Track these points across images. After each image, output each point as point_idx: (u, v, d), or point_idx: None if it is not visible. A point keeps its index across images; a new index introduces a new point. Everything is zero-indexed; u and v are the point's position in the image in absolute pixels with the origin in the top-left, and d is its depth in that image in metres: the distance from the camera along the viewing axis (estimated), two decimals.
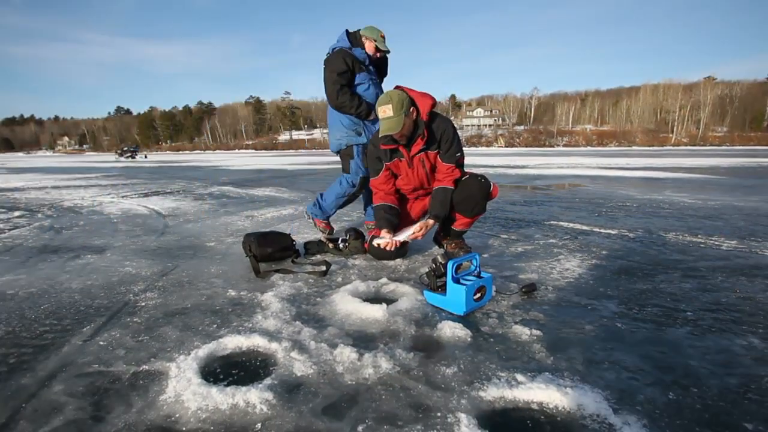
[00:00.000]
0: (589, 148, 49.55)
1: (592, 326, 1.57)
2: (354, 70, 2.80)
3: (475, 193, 2.40)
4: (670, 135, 63.06)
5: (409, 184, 2.49)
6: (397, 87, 2.41)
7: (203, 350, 1.38)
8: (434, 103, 2.32)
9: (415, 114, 2.26)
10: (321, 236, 2.90)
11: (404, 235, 2.24)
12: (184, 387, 1.17)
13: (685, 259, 2.43)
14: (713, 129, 64.75)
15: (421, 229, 2.26)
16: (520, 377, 1.21)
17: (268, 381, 1.20)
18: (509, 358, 1.35)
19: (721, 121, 66.47)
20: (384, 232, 2.31)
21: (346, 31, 2.92)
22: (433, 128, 2.33)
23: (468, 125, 76.06)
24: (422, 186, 2.49)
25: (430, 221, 2.29)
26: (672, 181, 7.42)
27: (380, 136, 2.28)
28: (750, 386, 1.17)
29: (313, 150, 60.43)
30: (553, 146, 60.76)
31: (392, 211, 2.47)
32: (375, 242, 2.29)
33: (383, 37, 2.86)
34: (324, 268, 2.26)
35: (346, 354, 1.34)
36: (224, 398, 1.12)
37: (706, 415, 1.05)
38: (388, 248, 2.28)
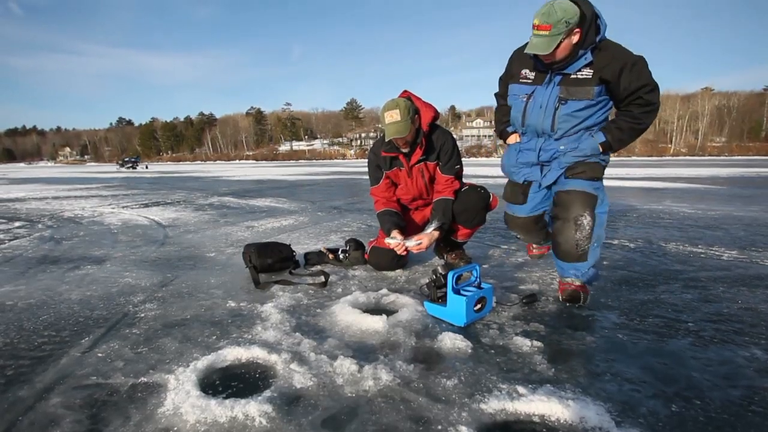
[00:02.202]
0: None
1: (594, 337, 1.56)
2: (512, 77, 2.04)
3: (476, 203, 2.40)
4: (669, 145, 63.29)
5: (408, 193, 2.50)
6: (404, 92, 2.41)
7: (202, 362, 1.37)
8: (436, 116, 2.33)
9: (417, 123, 2.28)
10: (321, 247, 2.90)
11: (413, 242, 2.23)
12: (183, 399, 1.17)
13: (686, 269, 2.43)
14: (712, 139, 65.00)
15: (427, 239, 2.24)
16: (521, 389, 1.20)
17: (267, 393, 1.20)
18: (510, 369, 1.34)
19: (720, 132, 66.78)
20: (395, 233, 2.31)
21: None
22: (432, 139, 2.35)
23: (468, 135, 76.36)
24: (421, 196, 2.50)
25: (435, 232, 2.28)
26: (671, 191, 7.44)
27: (387, 140, 2.29)
28: (753, 398, 1.16)
29: (314, 160, 60.68)
30: None
31: (397, 215, 2.47)
32: (386, 240, 2.30)
33: (541, 26, 1.69)
34: (323, 279, 2.26)
35: (346, 366, 1.34)
36: (223, 411, 1.11)
37: (710, 428, 1.04)
38: (398, 250, 2.27)
